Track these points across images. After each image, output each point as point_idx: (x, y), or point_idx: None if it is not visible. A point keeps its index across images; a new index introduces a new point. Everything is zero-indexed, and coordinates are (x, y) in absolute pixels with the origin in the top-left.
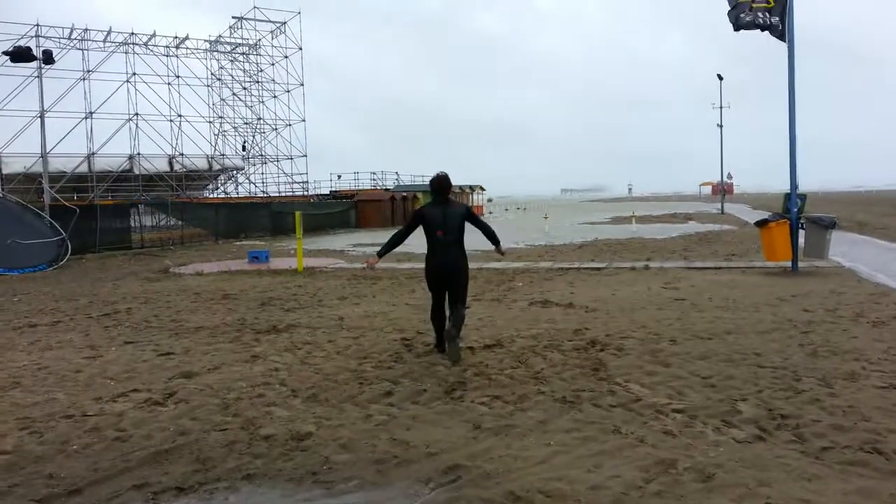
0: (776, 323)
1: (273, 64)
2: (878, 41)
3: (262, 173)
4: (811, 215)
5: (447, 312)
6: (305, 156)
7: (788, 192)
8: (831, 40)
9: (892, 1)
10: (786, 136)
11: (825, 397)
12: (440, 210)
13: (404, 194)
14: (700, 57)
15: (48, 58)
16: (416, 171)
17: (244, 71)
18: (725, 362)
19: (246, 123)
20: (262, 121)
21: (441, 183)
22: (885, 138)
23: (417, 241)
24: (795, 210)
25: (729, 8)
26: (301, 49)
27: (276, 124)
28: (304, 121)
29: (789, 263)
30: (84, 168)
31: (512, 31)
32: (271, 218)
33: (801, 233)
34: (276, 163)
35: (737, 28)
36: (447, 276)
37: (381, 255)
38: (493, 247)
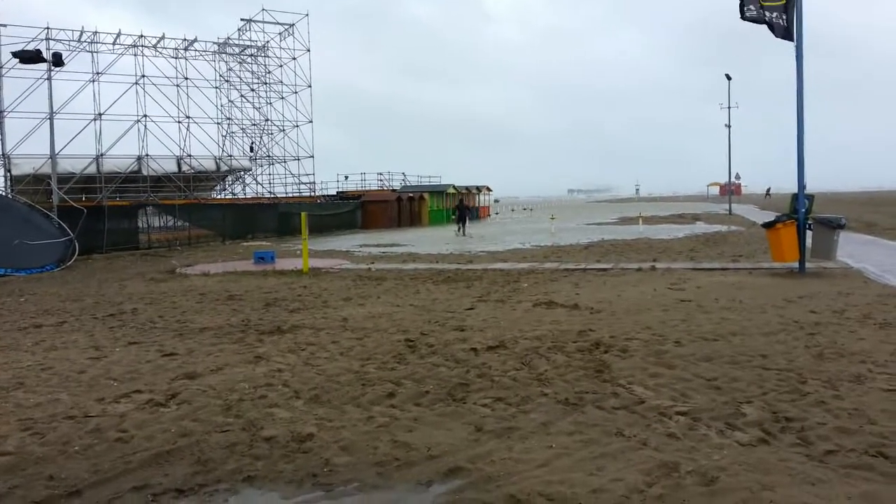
0: (782, 324)
1: (281, 66)
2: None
3: (270, 174)
4: (819, 216)
5: (464, 228)
6: (312, 157)
7: (796, 192)
8: (835, 38)
9: None
10: (794, 136)
11: (830, 400)
12: (464, 206)
13: (411, 195)
14: (705, 53)
15: (58, 60)
16: (423, 171)
17: (252, 73)
18: (730, 364)
19: (254, 125)
20: (269, 122)
21: (462, 202)
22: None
23: (420, 245)
24: (803, 211)
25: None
26: (309, 51)
27: (283, 125)
28: (311, 122)
29: (796, 265)
30: (92, 169)
31: (467, 27)
32: (278, 219)
33: (809, 234)
34: (283, 164)
35: (743, 17)
36: (464, 220)
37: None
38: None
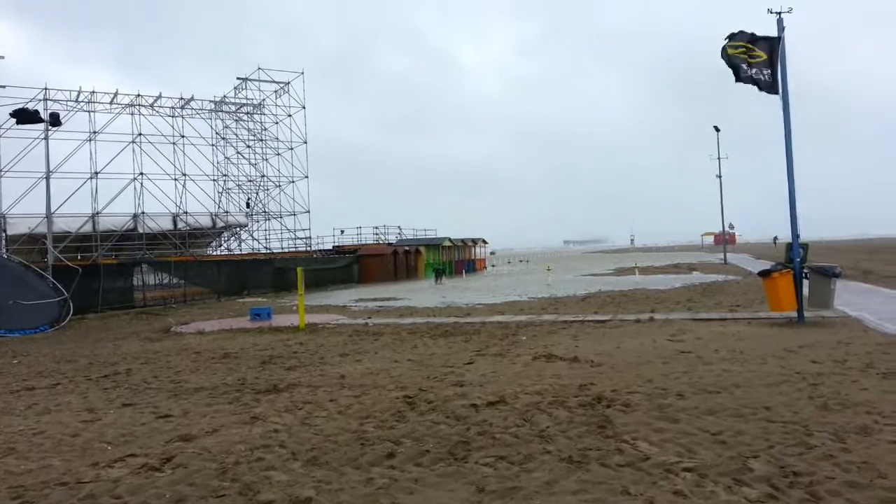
0: (784, 375)
1: (276, 122)
2: (872, 91)
3: (266, 230)
4: (815, 265)
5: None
6: (308, 212)
7: (790, 241)
8: (822, 87)
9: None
10: (786, 186)
11: (838, 453)
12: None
13: (407, 248)
14: (690, 95)
15: (55, 120)
16: (418, 224)
17: (248, 130)
18: (734, 417)
19: (250, 181)
20: (265, 178)
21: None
22: (890, 187)
23: (417, 298)
24: (798, 260)
25: (725, 59)
26: (304, 108)
27: (279, 181)
28: (306, 177)
29: (795, 314)
30: (88, 228)
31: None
32: (274, 274)
33: (806, 282)
34: (279, 219)
35: (738, 80)
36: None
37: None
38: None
